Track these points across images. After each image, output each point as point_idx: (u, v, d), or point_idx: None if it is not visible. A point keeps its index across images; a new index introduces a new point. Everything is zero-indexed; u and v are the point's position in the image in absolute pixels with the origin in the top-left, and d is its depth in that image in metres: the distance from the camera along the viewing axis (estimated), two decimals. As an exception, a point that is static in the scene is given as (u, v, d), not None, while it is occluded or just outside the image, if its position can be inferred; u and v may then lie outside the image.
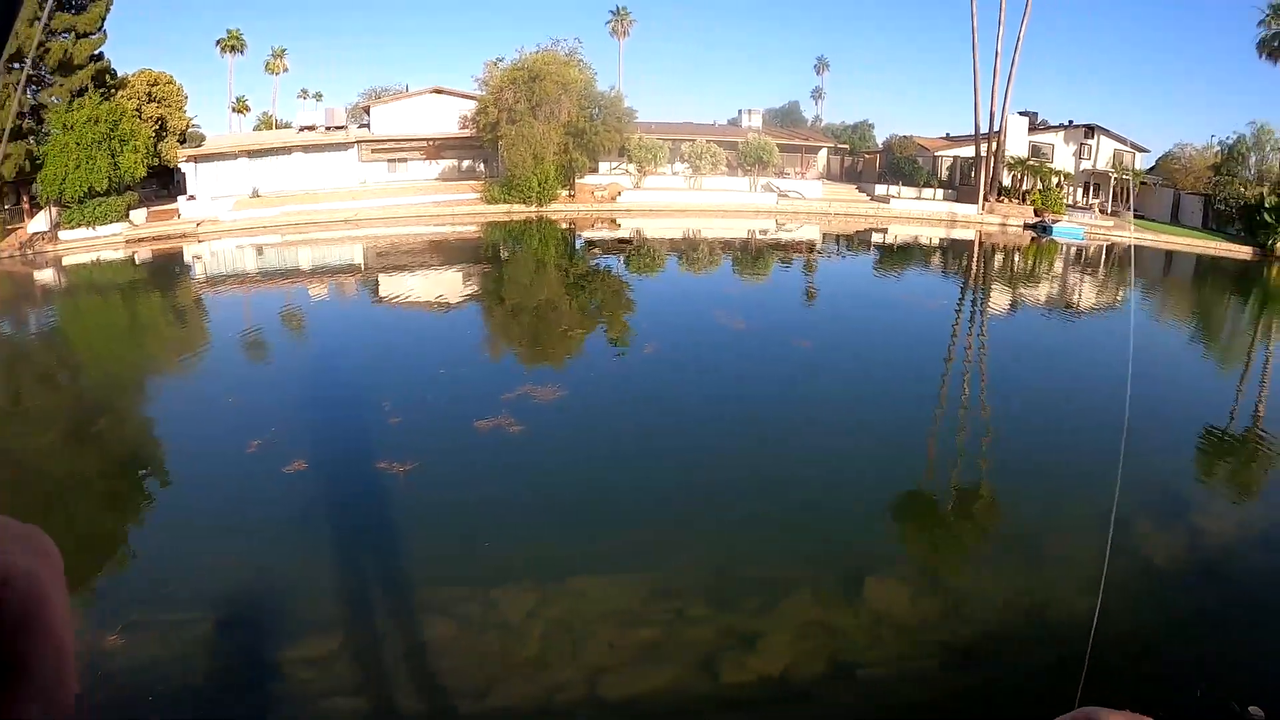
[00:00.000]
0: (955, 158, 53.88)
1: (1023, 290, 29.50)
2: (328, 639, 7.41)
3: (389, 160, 50.47)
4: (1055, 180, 49.17)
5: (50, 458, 13.03)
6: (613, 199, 47.79)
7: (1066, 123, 54.04)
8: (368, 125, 51.74)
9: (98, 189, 37.79)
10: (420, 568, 8.85)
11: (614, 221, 45.34)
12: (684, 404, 14.48)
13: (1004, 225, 46.42)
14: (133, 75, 44.20)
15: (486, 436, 12.39)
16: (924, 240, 43.83)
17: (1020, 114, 52.47)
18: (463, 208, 45.21)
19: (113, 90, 41.18)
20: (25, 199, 40.34)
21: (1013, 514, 10.80)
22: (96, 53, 40.08)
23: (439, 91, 51.01)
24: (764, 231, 43.86)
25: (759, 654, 7.27)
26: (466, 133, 46.86)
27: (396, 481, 10.83)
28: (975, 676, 7.21)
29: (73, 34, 38.73)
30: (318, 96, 77.71)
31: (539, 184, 43.89)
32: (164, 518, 10.61)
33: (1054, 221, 45.08)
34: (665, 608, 7.98)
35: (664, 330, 20.63)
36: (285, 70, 71.79)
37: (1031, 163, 50.02)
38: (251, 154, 47.19)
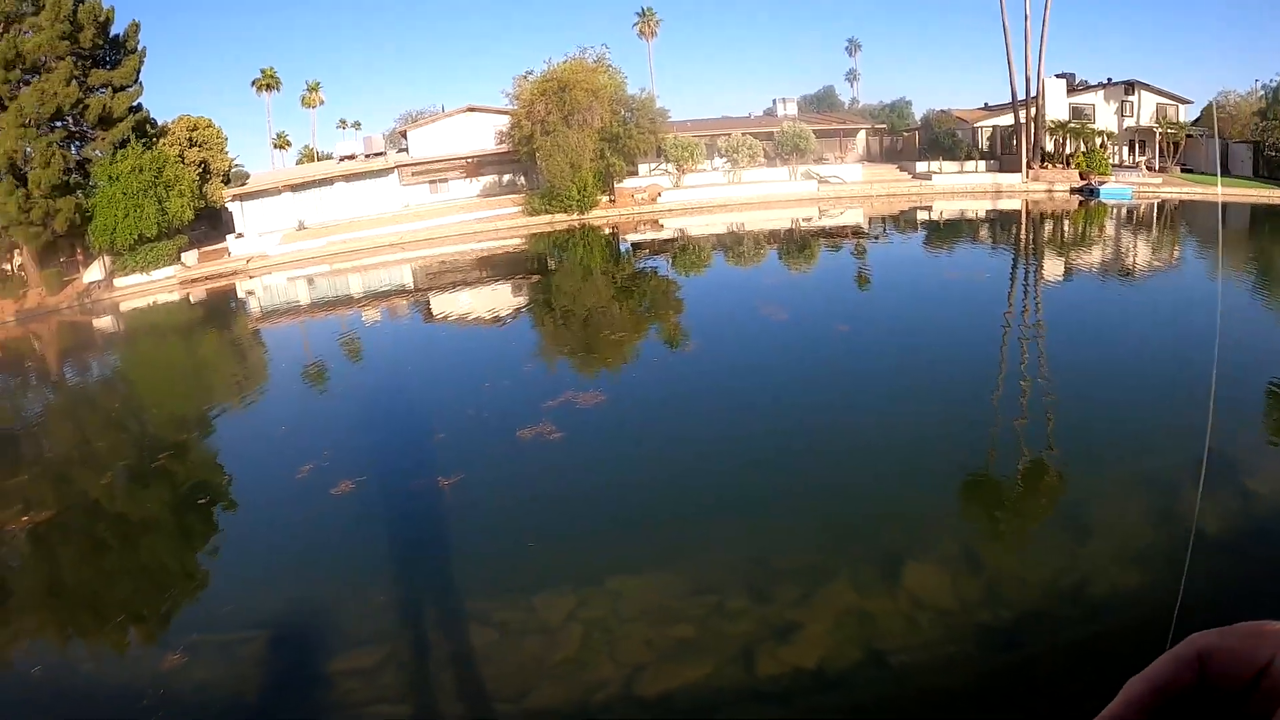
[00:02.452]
0: (995, 127, 52.83)
1: (1075, 256, 28.76)
2: (373, 650, 7.68)
3: (430, 181, 51.34)
4: (1098, 141, 47.81)
5: (116, 493, 13.68)
6: (653, 200, 47.91)
7: (1105, 81, 52.62)
8: (406, 149, 52.72)
9: (148, 235, 39.20)
10: (461, 578, 9.08)
11: (656, 222, 45.42)
12: (722, 400, 14.45)
13: (1050, 191, 45.38)
14: (172, 122, 45.84)
15: (528, 445, 12.58)
16: (970, 214, 43.03)
17: (1057, 76, 51.23)
18: (506, 222, 45.82)
19: (154, 139, 42.70)
20: (79, 250, 41.97)
21: (1061, 492, 10.54)
22: (135, 104, 41.59)
23: (473, 110, 51.81)
24: (807, 219, 43.47)
25: (795, 645, 7.30)
26: (503, 148, 47.51)
27: (440, 495, 11.11)
28: (1014, 659, 7.15)
29: (109, 88, 40.28)
30: (356, 125, 79.50)
31: (579, 192, 44.28)
32: (220, 543, 11.17)
33: (1100, 183, 43.95)
34: (702, 603, 8.05)
35: (707, 327, 20.66)
36: (321, 103, 73.52)
37: (1073, 125, 48.72)
38: (294, 188, 48.43)
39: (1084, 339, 17.28)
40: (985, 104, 57.96)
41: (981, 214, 42.94)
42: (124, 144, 39.80)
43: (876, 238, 37.45)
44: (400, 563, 9.61)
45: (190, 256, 42.19)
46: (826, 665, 7.09)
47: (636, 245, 39.97)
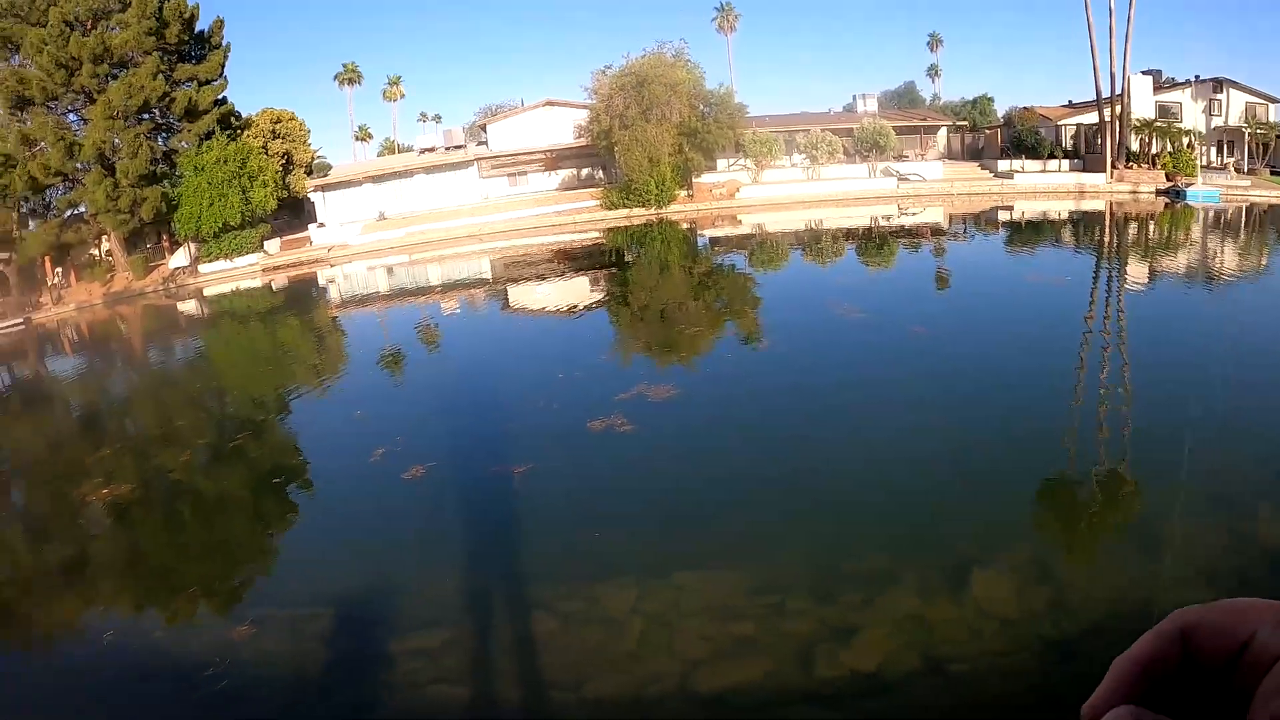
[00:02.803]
0: (1079, 125, 51.19)
1: (1161, 261, 27.73)
2: (436, 632, 7.86)
3: (509, 174, 52.02)
4: (1185, 141, 46.00)
5: (195, 471, 14.21)
6: (731, 196, 47.75)
7: (1193, 78, 50.54)
8: (485, 143, 53.57)
9: (232, 223, 40.60)
10: (527, 565, 9.19)
11: (734, 218, 45.28)
12: (795, 398, 14.32)
13: (1135, 193, 43.80)
14: (256, 115, 47.34)
15: (598, 436, 12.66)
16: (1053, 214, 41.71)
17: (1143, 73, 49.31)
18: (584, 215, 46.26)
19: (238, 131, 44.22)
20: (165, 238, 43.68)
21: (1137, 505, 10.20)
22: (219, 98, 43.16)
23: (551, 104, 52.47)
24: (886, 217, 42.73)
25: (854, 648, 7.22)
26: (581, 142, 48.10)
27: (509, 483, 11.26)
28: (1071, 671, 6.95)
29: (195, 82, 41.87)
30: (436, 119, 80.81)
31: (657, 186, 44.45)
32: (292, 522, 11.56)
33: (1187, 185, 42.24)
34: (764, 602, 8.00)
35: (783, 324, 20.49)
36: (402, 96, 75.01)
37: (1159, 124, 46.88)
38: (375, 179, 49.61)
39: (1168, 348, 16.63)
40: (1069, 101, 56.30)
41: (1064, 215, 41.63)
42: (209, 136, 41.30)
43: (956, 237, 36.72)
44: (467, 548, 9.78)
45: (273, 244, 43.57)
46: (885, 670, 6.99)
47: (714, 240, 39.90)
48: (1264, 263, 27.16)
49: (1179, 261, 27.63)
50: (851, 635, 7.38)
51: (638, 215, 44.63)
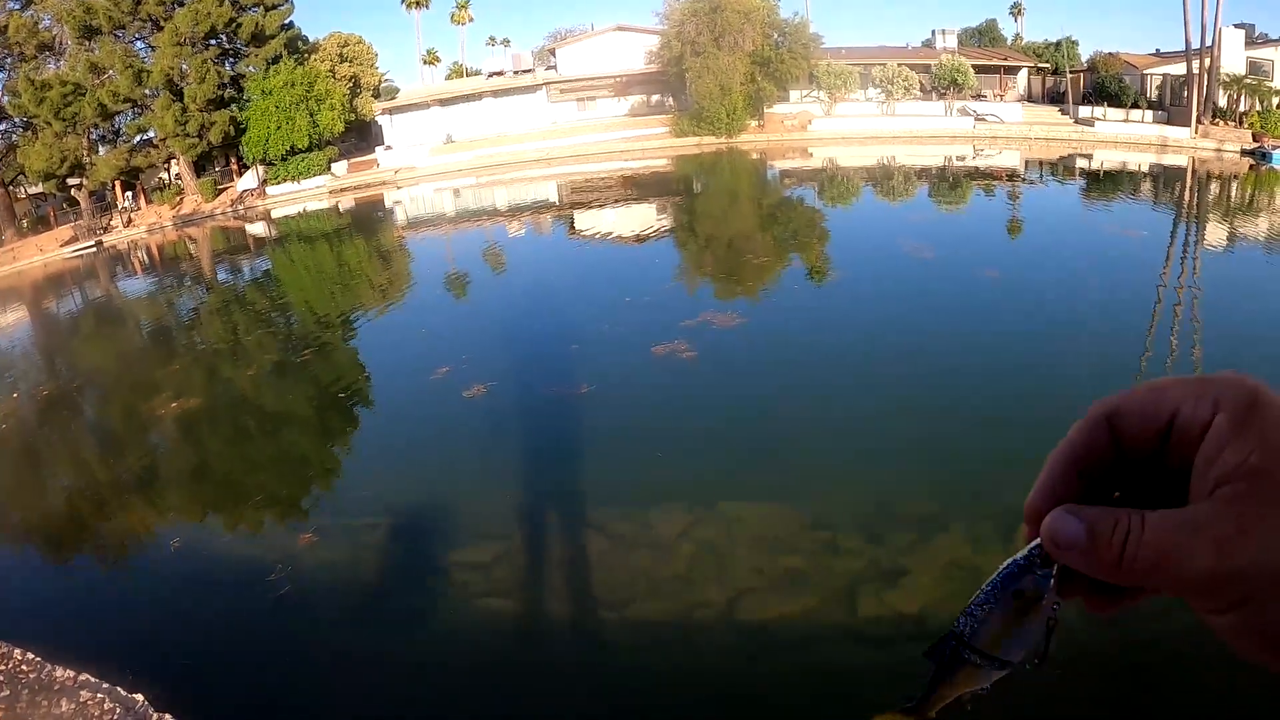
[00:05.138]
0: (1165, 76, 48.68)
1: (1242, 224, 26.60)
2: (490, 547, 8.09)
3: (577, 100, 51.40)
4: (1276, 101, 43.64)
5: (261, 385, 14.67)
6: (803, 128, 46.58)
7: (1288, 35, 47.77)
8: (554, 67, 52.88)
9: (299, 146, 41.04)
10: (582, 486, 9.32)
11: (805, 150, 44.30)
12: (860, 336, 14.11)
13: (1219, 150, 41.68)
14: (323, 39, 47.43)
15: (661, 361, 12.71)
16: (1132, 166, 39.90)
17: (1236, 26, 46.39)
18: (652, 142, 45.68)
19: (305, 55, 44.39)
20: (233, 160, 44.38)
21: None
22: (286, 22, 43.27)
23: (622, 29, 51.39)
24: (960, 158, 41.30)
25: (900, 590, 7.24)
26: (652, 68, 47.00)
27: (570, 404, 11.44)
28: (1114, 635, 6.91)
29: (261, 7, 41.91)
30: (505, 43, 79.79)
31: (727, 115, 43.55)
32: (355, 437, 11.93)
33: (1275, 147, 40.12)
34: (814, 538, 8.04)
35: (851, 260, 20.23)
36: (470, 20, 74.07)
37: (1249, 81, 44.27)
38: (443, 102, 49.52)
39: (1241, 312, 16.08)
40: (1156, 50, 53.56)
41: (1144, 168, 39.88)
42: (276, 60, 41.51)
43: (1032, 182, 35.59)
44: (523, 466, 9.98)
45: (340, 167, 44.00)
46: (928, 615, 7.01)
47: (784, 172, 39.25)
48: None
49: (1260, 226, 26.47)
50: (899, 577, 7.41)
51: (707, 144, 43.86)
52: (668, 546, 7.91)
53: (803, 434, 10.38)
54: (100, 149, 41.92)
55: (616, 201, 33.45)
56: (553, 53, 54.51)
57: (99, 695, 4.36)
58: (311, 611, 7.47)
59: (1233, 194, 34.17)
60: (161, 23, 39.32)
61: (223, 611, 7.62)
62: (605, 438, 10.46)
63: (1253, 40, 47.57)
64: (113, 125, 41.76)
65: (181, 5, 39.45)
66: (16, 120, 41.13)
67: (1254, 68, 45.75)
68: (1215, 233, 24.88)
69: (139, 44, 40.99)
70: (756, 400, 11.49)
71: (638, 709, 6.16)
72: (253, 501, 10.05)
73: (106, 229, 40.04)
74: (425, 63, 74.43)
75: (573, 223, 28.98)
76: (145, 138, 42.58)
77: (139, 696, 4.47)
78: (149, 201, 43.18)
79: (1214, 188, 35.50)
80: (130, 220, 41.27)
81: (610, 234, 26.38)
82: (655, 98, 51.22)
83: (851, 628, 6.89)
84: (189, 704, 5.12)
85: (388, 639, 6.98)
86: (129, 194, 43.33)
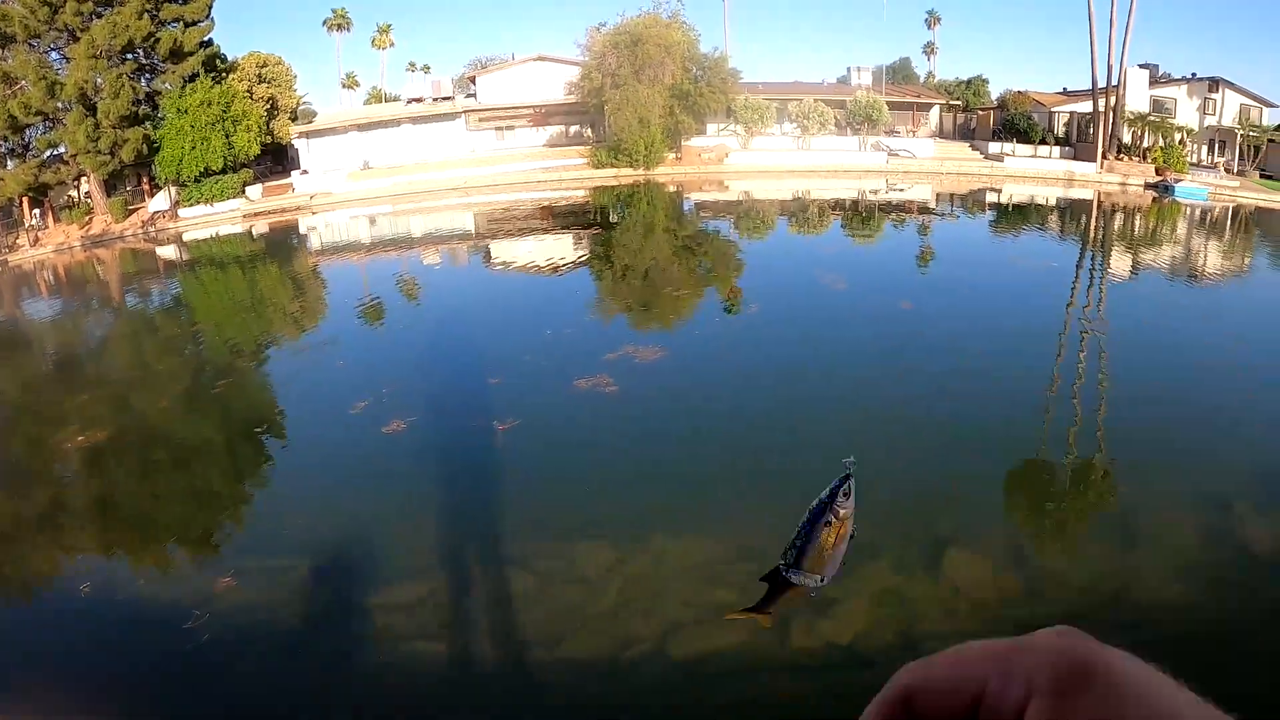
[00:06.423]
0: (1072, 114, 51.15)
1: (1145, 255, 27.91)
2: (415, 587, 7.86)
3: (496, 128, 51.33)
4: (1178, 137, 46.14)
5: (174, 418, 14.06)
6: (719, 161, 47.51)
7: (1189, 76, 50.55)
8: (474, 95, 52.71)
9: (214, 168, 39.93)
10: (507, 522, 9.16)
11: (722, 183, 45.10)
12: (781, 367, 14.31)
13: (1124, 184, 43.91)
14: (242, 58, 46.45)
15: (584, 396, 12.65)
16: (1040, 200, 41.77)
17: (1140, 66, 49.27)
18: (570, 173, 45.83)
19: (223, 74, 43.32)
20: (145, 180, 42.92)
21: (1114, 494, 10.32)
22: (205, 39, 42.19)
23: (543, 59, 51.59)
24: (874, 191, 42.70)
25: (831, 619, 7.29)
26: (572, 99, 47.19)
27: (492, 439, 11.24)
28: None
29: (181, 23, 40.85)
30: (425, 69, 79.07)
31: (645, 147, 44.06)
32: (273, 473, 11.46)
33: (1176, 181, 42.39)
34: (743, 569, 8.02)
35: (769, 292, 20.51)
36: (391, 45, 73.52)
37: (1152, 118, 46.89)
38: (361, 127, 48.78)
39: (1146, 340, 16.84)
40: (1064, 89, 56.23)
41: (1052, 201, 41.74)
42: (193, 78, 40.42)
43: (944, 216, 36.79)
44: (447, 503, 9.76)
45: (255, 190, 42.89)
46: (860, 644, 7.08)
47: (700, 204, 39.75)
48: (1246, 264, 27.40)
49: (1162, 257, 27.81)
50: (830, 607, 7.45)
51: (625, 175, 44.25)
52: (597, 582, 7.84)
53: (727, 465, 10.47)
54: (8, 163, 40.08)
55: (534, 232, 33.44)
56: (473, 80, 54.39)
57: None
58: (233, 660, 7.09)
59: (1137, 225, 35.87)
60: (78, 34, 37.83)
61: (138, 664, 7.22)
62: (530, 473, 10.33)
63: (1156, 79, 50.40)
64: (22, 139, 39.90)
65: (100, 16, 38.08)
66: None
67: (1157, 105, 48.42)
68: (1121, 262, 26.07)
69: (54, 55, 39.32)
70: (680, 433, 11.53)
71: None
72: (168, 541, 9.59)
73: (12, 247, 38.21)
74: (345, 86, 73.55)
75: (489, 253, 28.80)
76: (56, 153, 40.82)
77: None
78: (57, 220, 41.27)
79: (1119, 219, 37.25)
80: (38, 239, 39.40)
81: (528, 265, 26.28)
82: (574, 128, 51.60)
83: (785, 658, 6.90)
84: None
85: (314, 688, 6.72)
86: (37, 211, 41.39)
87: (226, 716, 6.50)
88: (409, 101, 52.92)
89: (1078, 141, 49.42)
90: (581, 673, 6.78)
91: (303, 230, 39.10)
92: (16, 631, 8.10)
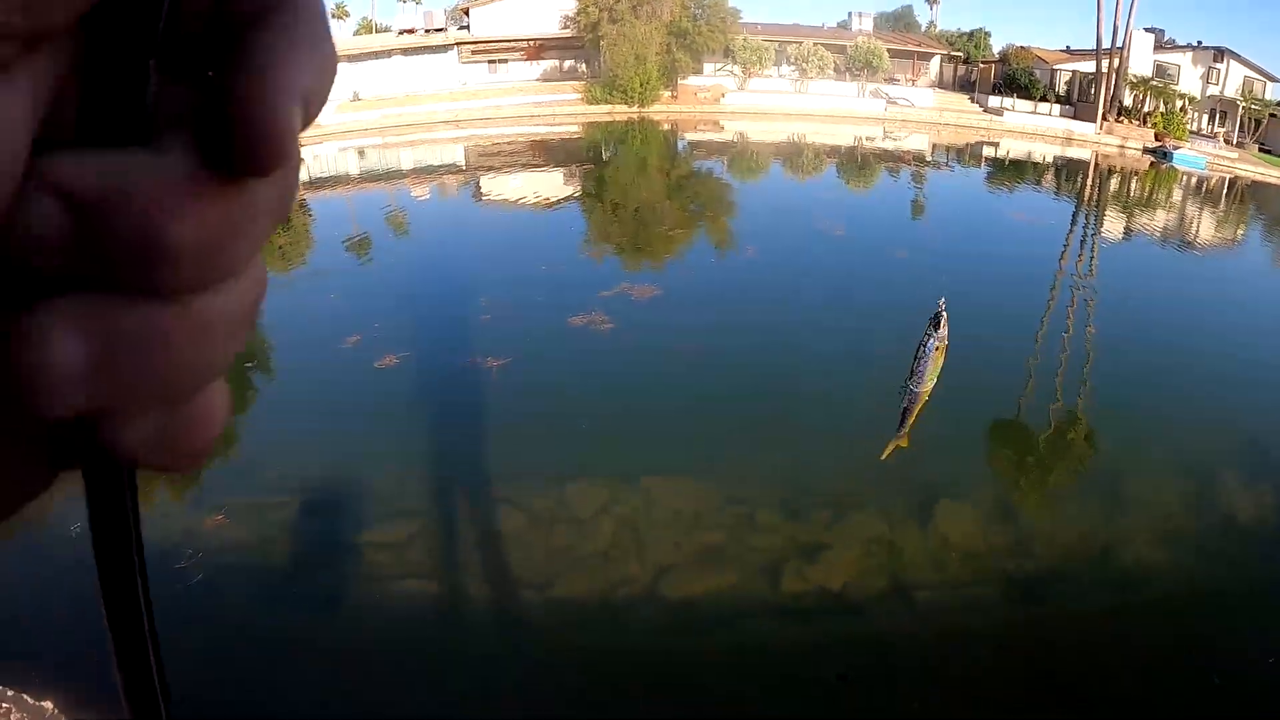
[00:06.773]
0: (1075, 72, 50.49)
1: (1139, 218, 27.83)
2: (405, 525, 7.78)
3: (489, 62, 50.14)
4: (1179, 104, 45.74)
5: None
6: (716, 101, 46.79)
7: (1195, 43, 49.86)
8: (467, 27, 51.41)
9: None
10: (498, 460, 9.07)
11: (717, 123, 44.57)
12: (777, 309, 14.26)
13: (1122, 147, 43.60)
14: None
15: (578, 332, 12.56)
16: (1037, 157, 41.46)
17: (1146, 30, 48.56)
18: (564, 108, 44.94)
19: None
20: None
21: (1102, 454, 10.37)
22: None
23: (538, -9, 50.39)
24: (870, 139, 42.24)
25: (821, 566, 7.32)
26: (567, 33, 46.31)
27: (485, 376, 11.12)
28: (1034, 613, 7.13)
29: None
30: (417, 0, 77.47)
31: (641, 85, 43.26)
32: (263, 407, 11.22)
33: (1175, 148, 42.12)
34: (734, 513, 8.04)
35: (764, 234, 20.33)
36: (383, -28, 71.67)
37: (1155, 83, 46.40)
38: (351, 58, 47.49)
39: (1134, 297, 17.00)
40: (1067, 47, 55.39)
41: (1049, 159, 41.46)
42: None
43: (939, 166, 36.58)
44: (437, 440, 9.67)
45: (239, 123, 42.13)
46: (850, 591, 7.12)
47: (694, 144, 39.27)
48: (1239, 235, 27.40)
49: (1155, 221, 27.74)
50: (819, 552, 7.48)
51: (620, 112, 43.46)
52: (588, 523, 7.81)
53: (721, 407, 10.44)
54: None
55: (526, 167, 32.92)
56: (466, 12, 53.03)
57: (4, 705, 4.01)
58: (225, 599, 6.96)
59: (1133, 188, 35.75)
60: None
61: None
62: (522, 411, 10.23)
63: (1161, 45, 49.72)
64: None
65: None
66: None
67: (1160, 71, 47.87)
68: (1114, 223, 26.01)
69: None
70: (674, 374, 11.46)
71: (563, 689, 6.05)
72: (156, 478, 9.48)
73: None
74: (334, 16, 71.64)
75: (480, 187, 28.29)
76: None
77: (48, 704, 4.13)
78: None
79: (1114, 182, 37.10)
80: None
81: (520, 200, 25.86)
82: (569, 63, 50.49)
83: (776, 603, 6.94)
84: (102, 709, 4.76)
85: (305, 626, 6.68)
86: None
87: (220, 657, 6.45)
88: (400, 33, 51.67)
89: (1078, 101, 48.91)
90: (572, 614, 6.79)
91: (291, 162, 38.45)
92: (4, 574, 7.95)
